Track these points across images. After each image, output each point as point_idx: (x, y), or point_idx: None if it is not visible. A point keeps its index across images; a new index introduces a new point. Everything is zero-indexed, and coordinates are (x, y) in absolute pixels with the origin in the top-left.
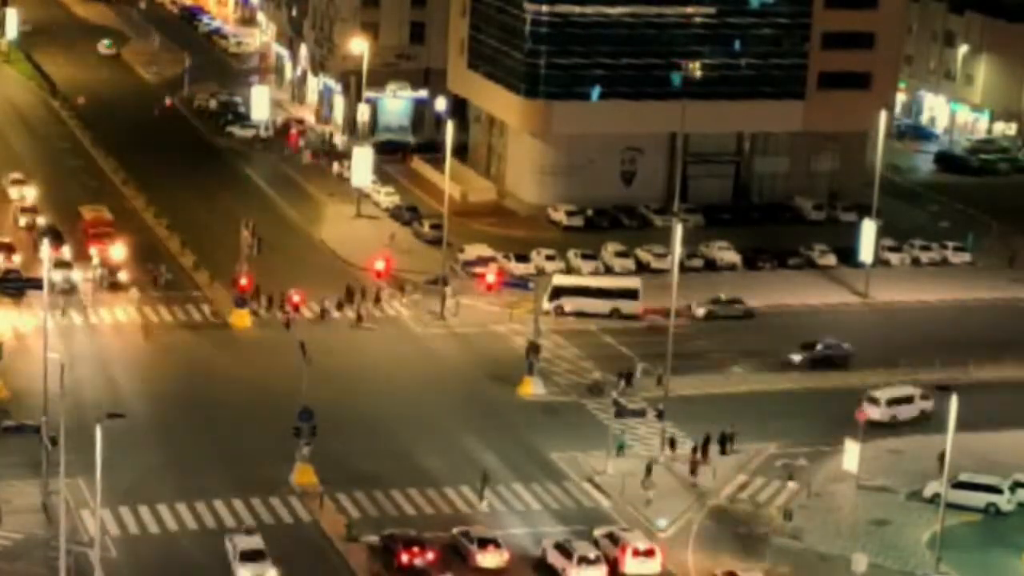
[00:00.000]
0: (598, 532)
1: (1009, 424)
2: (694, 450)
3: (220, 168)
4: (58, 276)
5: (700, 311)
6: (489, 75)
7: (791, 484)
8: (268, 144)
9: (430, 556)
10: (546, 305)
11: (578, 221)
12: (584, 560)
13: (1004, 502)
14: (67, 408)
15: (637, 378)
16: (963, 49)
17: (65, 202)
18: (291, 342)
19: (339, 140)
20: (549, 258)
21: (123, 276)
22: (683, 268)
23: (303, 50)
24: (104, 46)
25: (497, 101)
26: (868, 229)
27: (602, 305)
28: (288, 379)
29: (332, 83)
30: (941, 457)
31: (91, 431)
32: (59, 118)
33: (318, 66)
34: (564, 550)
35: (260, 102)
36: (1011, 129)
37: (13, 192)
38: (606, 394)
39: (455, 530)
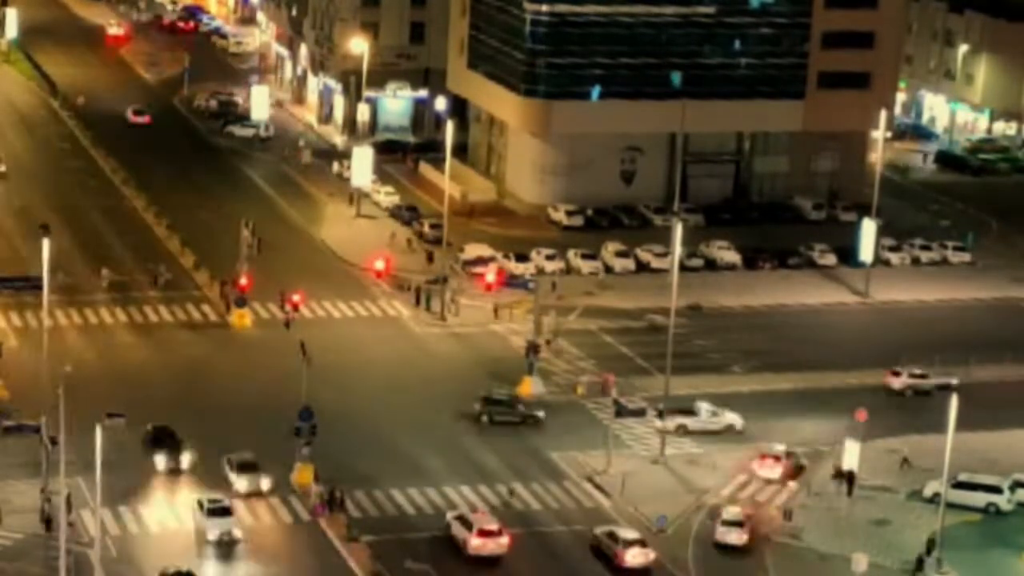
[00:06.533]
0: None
1: (1009, 424)
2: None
3: (220, 168)
4: None
5: None
6: (489, 75)
7: (791, 484)
8: (268, 144)
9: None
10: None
11: (578, 221)
12: None
13: (1004, 502)
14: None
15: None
16: (963, 49)
17: (65, 202)
18: (292, 342)
19: (339, 140)
20: (549, 258)
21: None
22: (683, 268)
23: (303, 50)
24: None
25: (497, 101)
26: (868, 229)
27: None
28: (288, 379)
29: (332, 83)
30: None
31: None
32: (59, 118)
33: (318, 66)
34: None
35: (260, 102)
36: (1011, 129)
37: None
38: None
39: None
